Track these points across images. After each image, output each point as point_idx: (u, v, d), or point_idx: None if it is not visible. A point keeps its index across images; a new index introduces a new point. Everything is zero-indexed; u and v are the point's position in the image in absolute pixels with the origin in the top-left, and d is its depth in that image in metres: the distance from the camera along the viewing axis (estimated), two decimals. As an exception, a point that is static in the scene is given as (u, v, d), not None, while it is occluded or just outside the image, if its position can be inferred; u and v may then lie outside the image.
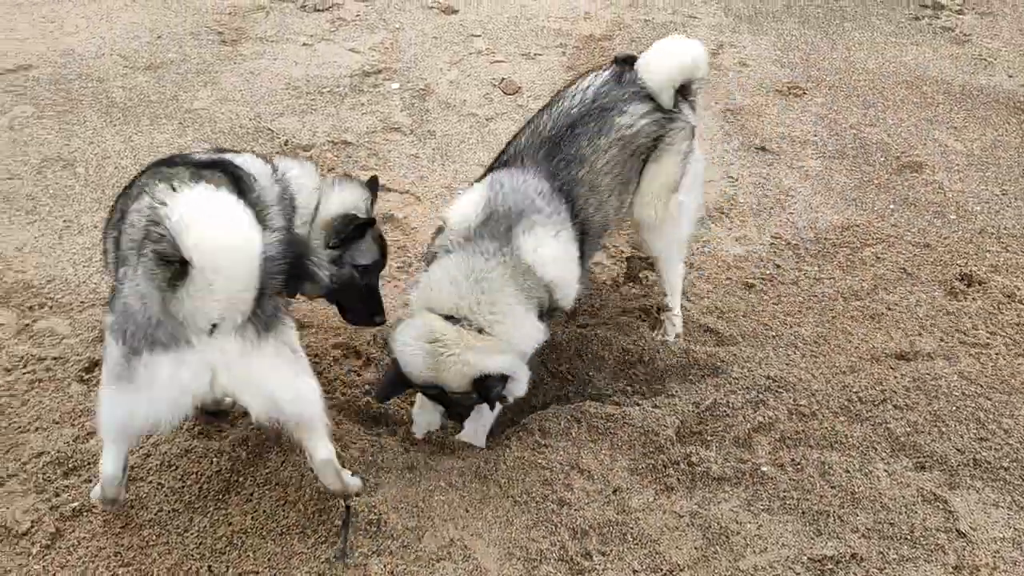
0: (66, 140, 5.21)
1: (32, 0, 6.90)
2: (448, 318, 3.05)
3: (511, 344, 3.06)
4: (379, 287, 3.50)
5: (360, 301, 3.44)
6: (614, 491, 3.16)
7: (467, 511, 3.07)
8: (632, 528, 3.02)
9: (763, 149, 5.33)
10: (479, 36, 6.72)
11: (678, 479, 3.21)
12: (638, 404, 3.49)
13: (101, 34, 6.45)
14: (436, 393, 3.11)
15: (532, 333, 3.13)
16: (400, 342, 3.06)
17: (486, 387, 3.00)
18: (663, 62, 3.48)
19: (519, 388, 3.16)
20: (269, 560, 2.86)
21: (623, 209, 3.56)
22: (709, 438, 3.36)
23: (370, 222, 3.37)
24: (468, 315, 3.04)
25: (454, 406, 3.17)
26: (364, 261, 3.38)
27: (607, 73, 3.55)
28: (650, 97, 3.46)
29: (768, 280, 4.24)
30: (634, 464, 3.27)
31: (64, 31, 6.47)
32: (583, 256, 3.34)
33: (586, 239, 3.34)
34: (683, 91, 3.55)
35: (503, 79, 6.09)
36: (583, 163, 3.30)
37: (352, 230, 3.29)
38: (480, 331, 3.04)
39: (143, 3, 7.00)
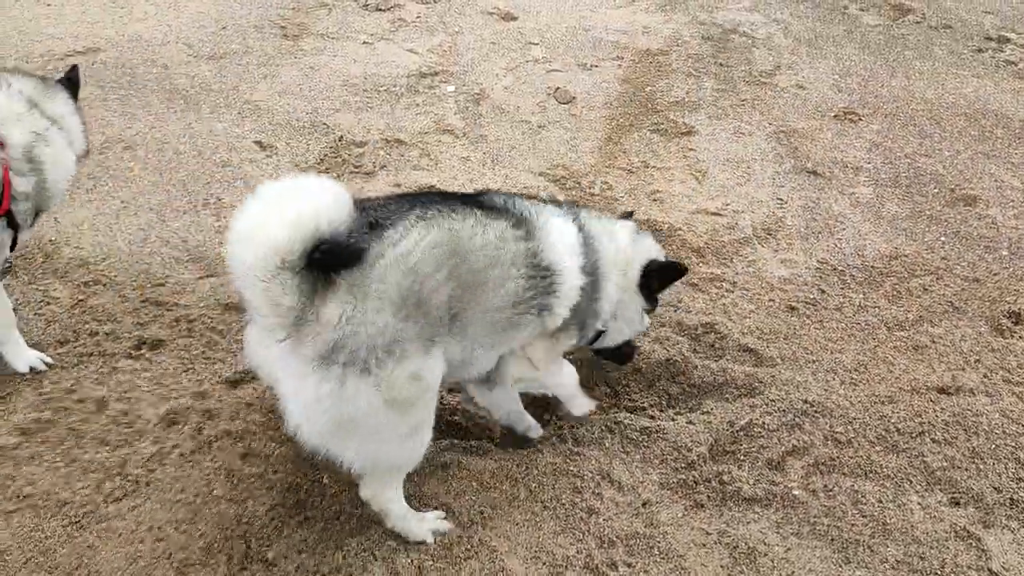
0: (128, 123, 5.35)
1: (103, -13, 7.10)
2: None
3: None
4: None
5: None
6: (643, 504, 3.16)
7: (496, 513, 3.09)
8: (659, 542, 3.02)
9: (814, 173, 5.30)
10: (536, 44, 6.77)
11: (708, 496, 3.21)
12: (672, 419, 3.50)
13: (168, 22, 6.62)
14: None
15: None
16: None
17: None
18: None
19: None
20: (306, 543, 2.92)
21: None
22: (742, 458, 3.35)
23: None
24: None
25: None
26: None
27: None
28: None
29: (811, 304, 4.21)
30: (665, 478, 3.27)
31: (133, 17, 6.65)
32: None
33: None
34: None
35: (558, 88, 6.13)
36: None
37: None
38: None
39: (210, -6, 7.16)
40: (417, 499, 3.07)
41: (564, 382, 3.37)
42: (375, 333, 2.46)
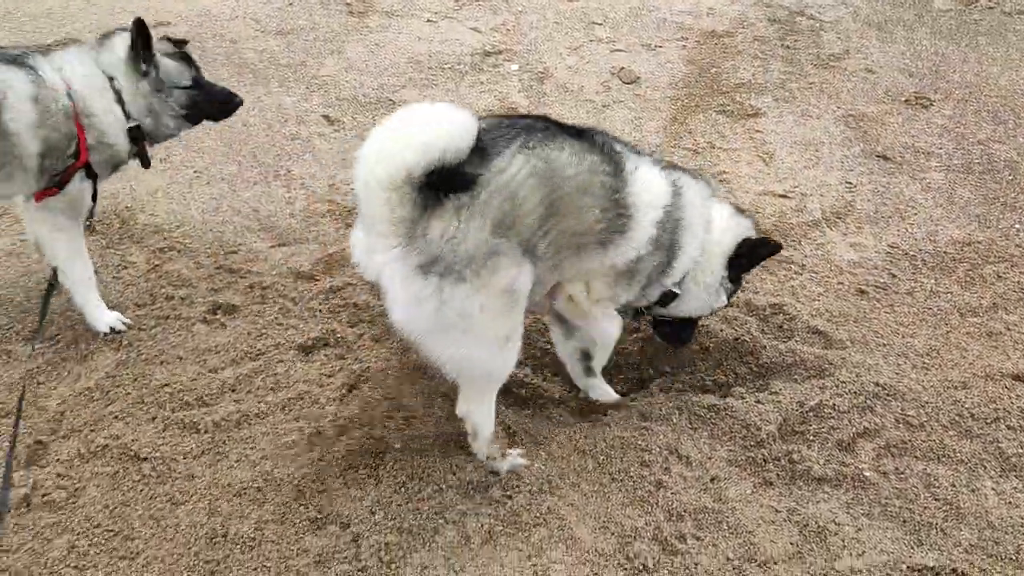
0: (200, 96, 5.43)
1: (175, -39, 7.21)
2: None
3: None
4: None
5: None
6: (712, 479, 3.16)
7: (564, 483, 3.11)
8: (728, 517, 3.02)
9: (884, 157, 5.21)
10: (600, 24, 6.75)
11: (777, 475, 3.19)
12: (742, 397, 3.48)
13: (237, -3, 6.71)
14: None
15: None
16: None
17: None
18: None
19: None
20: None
21: None
22: (812, 438, 3.32)
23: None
24: None
25: None
26: None
27: None
28: None
29: (882, 288, 4.16)
30: (733, 455, 3.26)
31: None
32: None
33: None
34: None
35: (622, 68, 6.10)
36: None
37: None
38: None
39: (277, -29, 7.24)
40: (484, 465, 3.11)
41: (605, 332, 3.38)
42: (473, 248, 2.68)
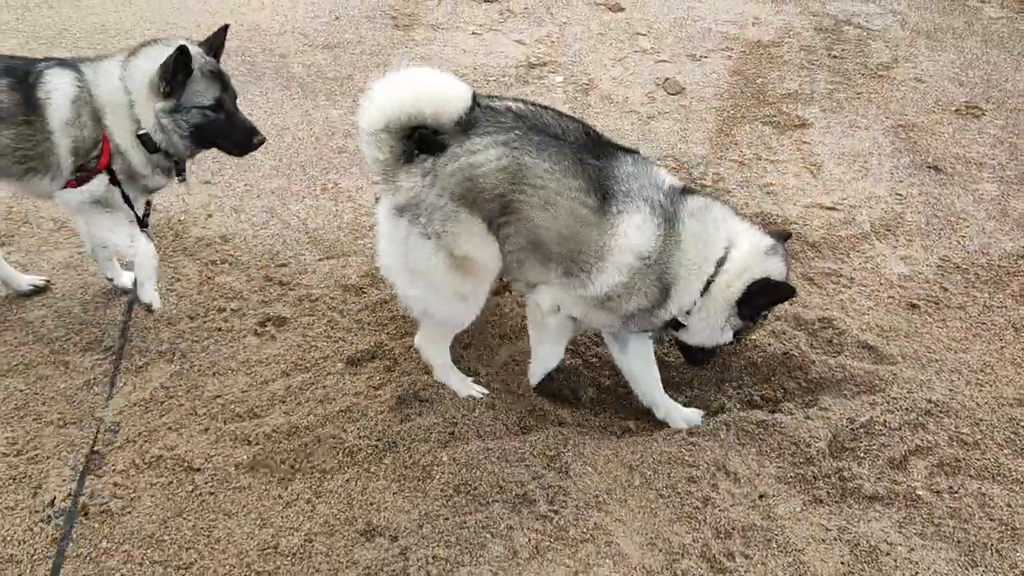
0: (249, 110, 5.50)
1: (225, -23, 7.35)
2: None
3: None
4: None
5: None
6: (760, 496, 3.14)
7: (611, 498, 3.11)
8: (777, 535, 2.99)
9: (935, 168, 5.13)
10: (644, 35, 6.74)
11: (827, 492, 3.16)
12: (791, 413, 3.45)
13: (285, 12, 6.82)
14: None
15: None
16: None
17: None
18: None
19: None
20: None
21: None
22: (862, 455, 3.28)
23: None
24: None
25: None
26: None
27: None
28: None
29: (933, 302, 4.09)
30: (782, 472, 3.23)
31: (251, 7, 6.87)
32: None
33: None
34: None
35: (666, 79, 6.08)
36: None
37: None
38: None
39: (324, -15, 7.34)
40: (533, 480, 3.12)
41: (543, 351, 3.45)
42: (434, 210, 3.02)
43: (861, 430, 3.37)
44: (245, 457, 3.20)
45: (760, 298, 3.18)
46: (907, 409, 3.44)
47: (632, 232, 3.07)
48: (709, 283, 3.16)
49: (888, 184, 4.99)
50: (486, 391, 3.54)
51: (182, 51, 3.27)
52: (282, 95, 5.71)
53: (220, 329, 3.81)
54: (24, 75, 3.36)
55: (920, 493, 3.14)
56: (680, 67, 6.26)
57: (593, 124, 5.44)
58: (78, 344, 3.70)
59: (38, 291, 3.96)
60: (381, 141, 2.99)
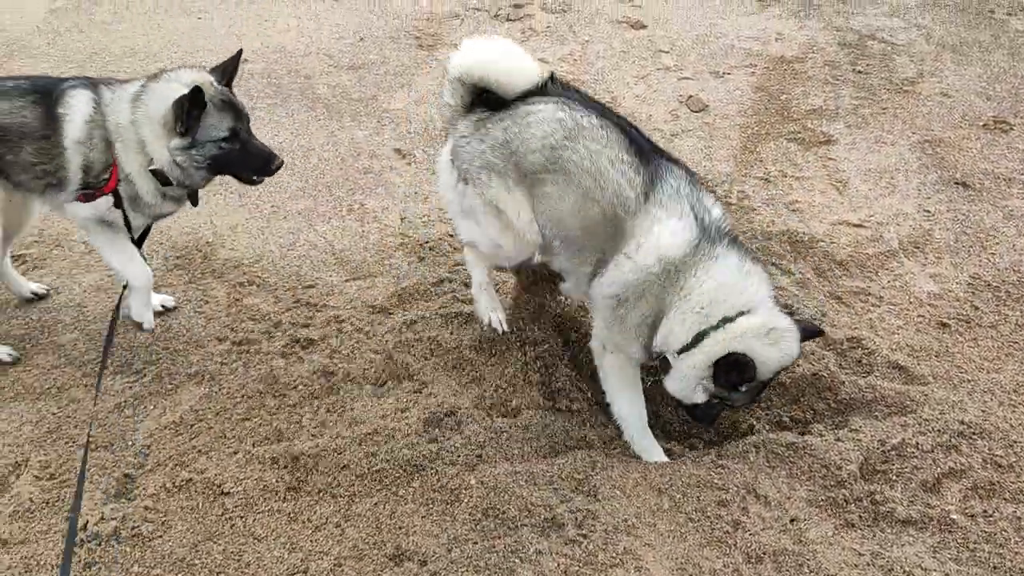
0: (275, 131, 5.58)
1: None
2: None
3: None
4: None
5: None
6: (791, 520, 3.11)
7: (640, 522, 3.09)
8: (809, 560, 2.96)
9: (963, 185, 5.09)
10: (667, 52, 6.74)
11: (860, 516, 3.12)
12: (821, 435, 3.42)
13: (309, 34, 6.88)
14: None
15: None
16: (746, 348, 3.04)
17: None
18: None
19: None
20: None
21: None
22: (895, 478, 3.25)
23: None
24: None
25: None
26: None
27: None
28: None
29: (964, 321, 4.05)
30: (813, 495, 3.20)
31: (277, 29, 6.94)
32: None
33: None
34: None
35: (690, 96, 6.08)
36: None
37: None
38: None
39: (348, 6, 7.40)
40: (561, 504, 3.11)
41: (622, 406, 3.46)
42: (474, 157, 3.39)
43: (893, 452, 3.33)
44: (274, 480, 3.22)
45: (727, 370, 3.04)
46: (939, 431, 3.40)
47: (665, 235, 3.10)
48: (703, 335, 3.08)
49: (916, 201, 4.96)
50: (505, 328, 3.83)
51: (197, 91, 3.29)
52: (308, 116, 5.76)
53: (248, 351, 3.84)
54: (48, 92, 3.46)
55: (954, 517, 3.10)
56: (703, 84, 6.26)
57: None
58: (108, 367, 3.73)
59: (39, 298, 4.09)
60: (455, 89, 3.43)
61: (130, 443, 3.38)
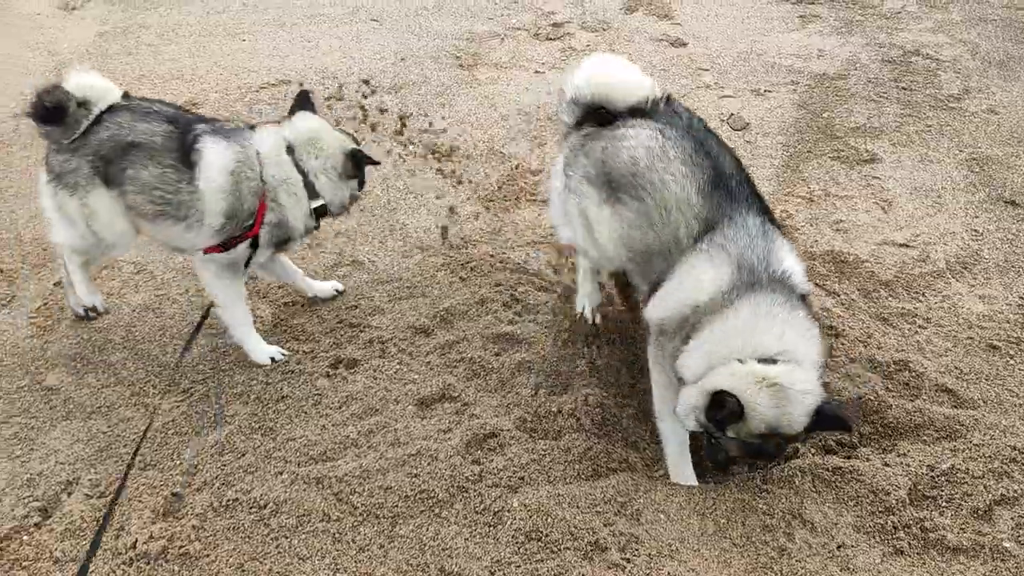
0: (318, 151, 5.65)
1: (294, 21, 7.57)
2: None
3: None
4: None
5: None
6: (838, 546, 3.06)
7: (684, 547, 3.07)
8: (857, 588, 2.92)
9: (1012, 203, 5.00)
10: (707, 70, 6.72)
11: (908, 543, 3.07)
12: (868, 459, 3.37)
13: (351, 55, 6.97)
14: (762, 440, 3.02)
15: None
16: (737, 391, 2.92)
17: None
18: None
19: None
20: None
21: None
22: (944, 505, 3.19)
23: None
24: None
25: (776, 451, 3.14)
26: None
27: None
28: None
29: (1016, 343, 3.97)
30: (860, 521, 3.15)
31: (320, 51, 7.04)
32: None
33: None
34: None
35: (731, 114, 6.05)
36: None
37: None
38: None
39: (389, 27, 7.50)
40: (604, 528, 3.10)
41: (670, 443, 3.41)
42: (577, 169, 3.56)
43: (942, 478, 3.27)
44: (319, 500, 3.24)
45: (712, 405, 2.95)
46: (990, 456, 3.34)
47: (698, 281, 3.12)
48: (712, 367, 3.02)
49: (963, 220, 4.88)
50: (597, 322, 4.06)
51: (358, 154, 3.93)
52: (350, 137, 5.82)
53: (293, 371, 3.88)
54: (185, 130, 3.67)
55: (1007, 545, 3.03)
56: (744, 102, 6.23)
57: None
58: (157, 387, 3.80)
59: (98, 315, 4.22)
60: (570, 108, 3.61)
61: (178, 462, 3.43)
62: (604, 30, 7.46)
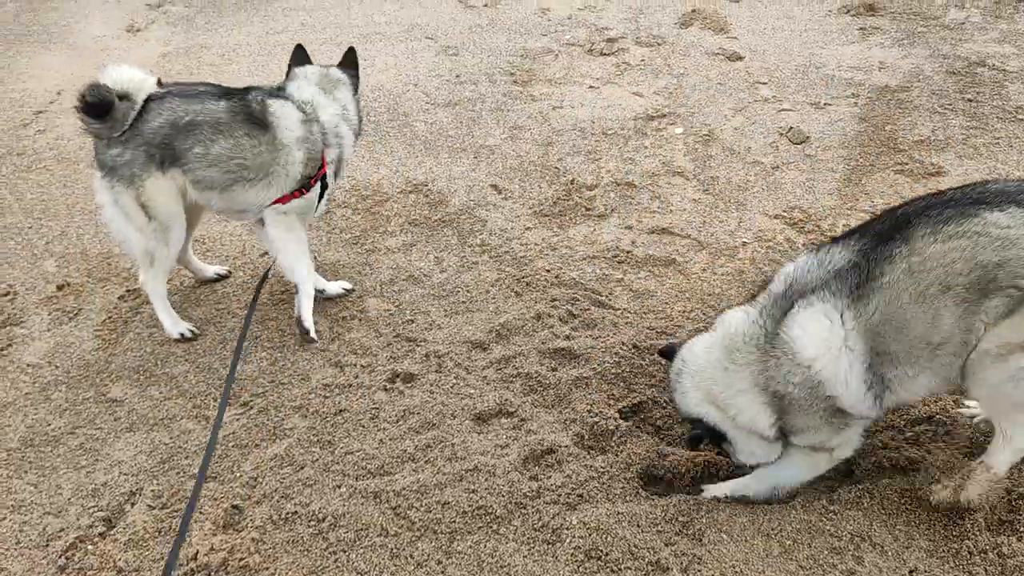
0: (375, 167, 5.71)
1: (350, 40, 7.66)
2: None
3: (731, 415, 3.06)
4: None
5: None
6: (910, 571, 2.95)
7: (749, 569, 2.99)
8: (931, 615, 2.81)
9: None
10: (765, 83, 6.64)
11: (985, 569, 2.95)
12: (939, 480, 3.25)
13: (407, 72, 7.04)
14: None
15: (752, 416, 3.02)
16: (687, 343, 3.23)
17: (694, 432, 3.16)
18: None
19: (743, 455, 3.18)
20: None
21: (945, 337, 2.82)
22: (1022, 529, 3.06)
23: None
24: (718, 366, 3.07)
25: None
26: None
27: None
28: None
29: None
30: (934, 546, 3.04)
31: (376, 68, 7.12)
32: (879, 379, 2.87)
33: (880, 357, 2.84)
34: None
35: (790, 128, 5.96)
36: (906, 243, 2.79)
37: None
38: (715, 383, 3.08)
39: (444, 44, 7.55)
40: (666, 548, 3.03)
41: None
42: None
43: (1020, 501, 3.14)
44: (377, 515, 3.23)
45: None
46: (1071, 479, 3.20)
47: (807, 334, 2.89)
48: None
49: None
50: None
51: (352, 51, 4.34)
52: (406, 152, 5.87)
53: (351, 385, 3.89)
54: (242, 99, 3.98)
55: (1090, 573, 2.90)
56: (803, 115, 6.13)
57: (715, 176, 5.39)
58: (218, 398, 3.83)
59: (221, 278, 4.67)
60: None
61: (238, 474, 3.45)
62: (659, 44, 7.42)
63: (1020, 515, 3.10)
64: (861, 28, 7.52)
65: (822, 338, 2.84)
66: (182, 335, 4.22)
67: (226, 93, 4.00)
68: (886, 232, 2.85)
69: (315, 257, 4.76)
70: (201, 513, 3.27)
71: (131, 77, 3.83)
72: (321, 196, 4.19)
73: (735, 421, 3.05)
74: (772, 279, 3.12)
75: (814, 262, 2.98)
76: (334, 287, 4.49)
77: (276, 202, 4.08)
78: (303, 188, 4.08)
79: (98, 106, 3.72)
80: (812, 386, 2.88)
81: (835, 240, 3.05)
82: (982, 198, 2.81)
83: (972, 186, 2.94)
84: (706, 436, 3.14)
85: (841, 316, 2.83)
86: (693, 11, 8.07)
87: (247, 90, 4.05)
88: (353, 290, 4.53)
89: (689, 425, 3.25)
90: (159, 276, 4.13)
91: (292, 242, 4.18)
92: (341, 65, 4.34)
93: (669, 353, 3.32)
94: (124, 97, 3.79)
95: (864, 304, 2.80)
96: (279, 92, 4.11)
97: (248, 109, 3.94)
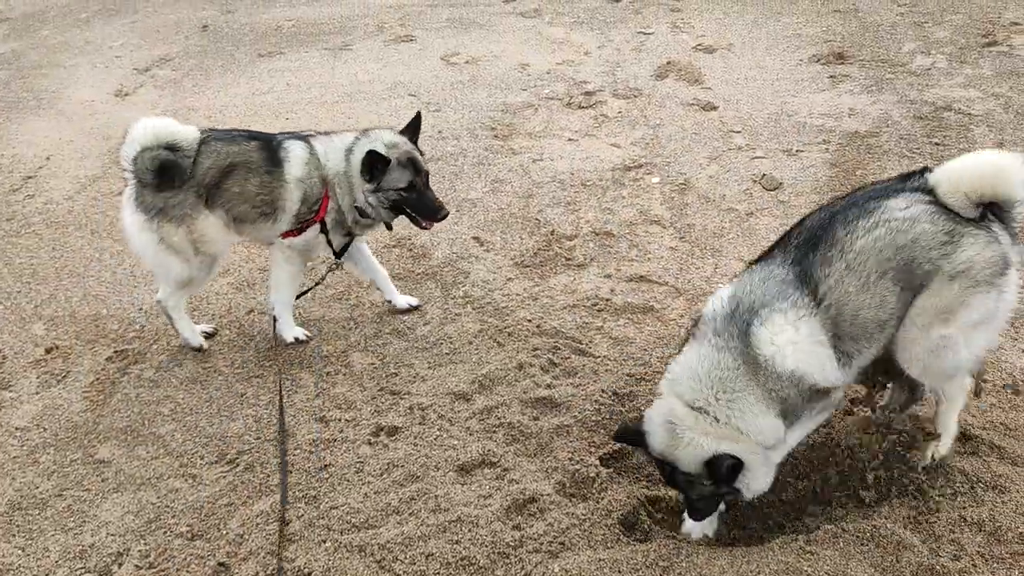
0: (359, 224, 5.82)
1: (335, 100, 7.85)
2: (692, 407, 3.12)
3: (747, 436, 3.09)
4: None
5: None
6: (886, 610, 3.01)
7: (728, 611, 3.04)
8: (907, 652, 2.85)
9: (1052, 255, 4.95)
10: (739, 132, 6.81)
11: (962, 606, 3.00)
12: (910, 522, 3.31)
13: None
14: (670, 472, 3.17)
15: (769, 428, 3.11)
16: (646, 419, 3.21)
17: (716, 467, 3.03)
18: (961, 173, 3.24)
19: (757, 482, 3.17)
20: None
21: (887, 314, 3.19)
22: (995, 566, 3.12)
23: None
24: (706, 407, 3.10)
25: (688, 491, 3.19)
26: None
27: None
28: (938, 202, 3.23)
29: (1061, 398, 3.91)
30: (909, 584, 3.09)
31: (360, 126, 7.25)
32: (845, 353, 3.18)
33: (840, 339, 3.16)
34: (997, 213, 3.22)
35: (763, 175, 6.11)
36: (834, 246, 3.13)
37: None
38: (717, 420, 3.09)
39: (426, 102, 7.73)
40: (647, 593, 3.08)
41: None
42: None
43: (992, 538, 3.21)
44: (362, 568, 3.27)
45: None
46: (1039, 514, 3.27)
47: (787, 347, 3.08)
48: None
49: (1003, 273, 4.84)
50: None
51: (371, 153, 4.25)
52: (389, 208, 5.98)
53: (335, 440, 3.95)
54: (267, 141, 4.37)
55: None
56: (776, 162, 6.29)
57: (692, 223, 5.52)
58: (205, 458, 3.89)
59: (208, 336, 4.77)
60: (961, 202, 3.15)
61: (224, 532, 3.49)
62: (636, 96, 7.61)
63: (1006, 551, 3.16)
64: (831, 76, 7.74)
65: (793, 345, 3.07)
66: (200, 346, 4.62)
67: (256, 136, 4.41)
68: (807, 241, 3.17)
69: (299, 314, 4.85)
70: (187, 572, 3.31)
71: (177, 131, 4.20)
72: (330, 242, 4.49)
73: (755, 440, 3.12)
74: (697, 322, 3.30)
75: (755, 281, 3.20)
76: (403, 301, 4.88)
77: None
78: (297, 229, 4.41)
79: (164, 171, 4.13)
80: (798, 382, 3.11)
81: (757, 262, 3.31)
82: (873, 194, 3.27)
83: (857, 190, 3.42)
84: (724, 474, 3.07)
85: (801, 319, 3.08)
86: (668, 63, 8.29)
87: (279, 134, 4.47)
88: (420, 306, 4.89)
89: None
90: (184, 296, 4.52)
91: (284, 271, 4.55)
92: (404, 130, 4.55)
93: (631, 437, 3.30)
94: (170, 147, 4.15)
95: (820, 301, 3.11)
96: (309, 136, 4.48)
97: (271, 148, 4.34)
